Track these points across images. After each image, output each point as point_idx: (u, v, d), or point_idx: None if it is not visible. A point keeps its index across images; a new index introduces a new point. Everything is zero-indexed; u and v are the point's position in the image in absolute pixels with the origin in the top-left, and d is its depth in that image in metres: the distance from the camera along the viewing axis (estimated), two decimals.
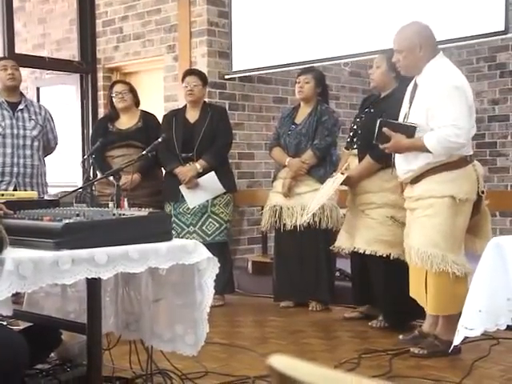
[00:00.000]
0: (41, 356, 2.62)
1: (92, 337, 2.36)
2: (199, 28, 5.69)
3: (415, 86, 3.42)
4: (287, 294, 4.62)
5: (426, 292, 3.38)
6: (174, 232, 4.56)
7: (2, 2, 5.96)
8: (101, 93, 6.49)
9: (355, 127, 4.13)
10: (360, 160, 3.99)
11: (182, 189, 4.62)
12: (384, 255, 3.85)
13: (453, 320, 3.26)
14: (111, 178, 4.17)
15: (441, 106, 3.24)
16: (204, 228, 4.63)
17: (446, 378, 3.02)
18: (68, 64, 6.52)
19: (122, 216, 2.39)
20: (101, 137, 4.60)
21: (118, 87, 4.90)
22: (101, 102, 6.50)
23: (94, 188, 4.71)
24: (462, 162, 3.32)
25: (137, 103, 4.95)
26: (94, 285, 2.33)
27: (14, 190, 4.54)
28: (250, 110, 5.93)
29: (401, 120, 3.46)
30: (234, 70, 5.72)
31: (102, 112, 6.42)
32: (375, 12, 4.91)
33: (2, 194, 2.88)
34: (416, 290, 3.48)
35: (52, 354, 2.73)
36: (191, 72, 4.84)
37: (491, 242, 2.44)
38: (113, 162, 4.70)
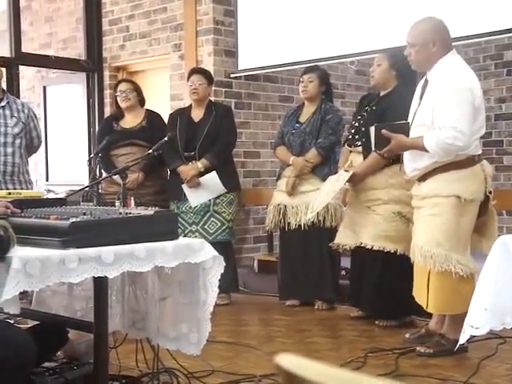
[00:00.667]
0: (48, 354, 2.63)
1: (98, 335, 2.37)
2: (205, 27, 5.69)
3: (426, 82, 3.40)
4: (292, 293, 4.62)
5: (428, 291, 3.37)
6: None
7: (9, 1, 5.97)
8: (107, 91, 6.50)
9: (357, 125, 4.13)
10: (365, 157, 3.99)
11: (185, 188, 4.63)
12: (391, 251, 3.84)
13: (459, 319, 3.25)
14: (115, 176, 4.18)
15: (444, 106, 3.23)
16: (206, 227, 4.64)
17: (452, 376, 3.02)
18: (74, 63, 6.53)
19: (129, 215, 2.40)
20: (106, 136, 4.61)
21: (122, 86, 4.90)
22: (107, 100, 6.51)
23: (100, 186, 4.73)
24: (469, 162, 3.30)
25: (141, 102, 4.95)
26: (100, 283, 2.33)
27: None
28: (255, 108, 5.93)
29: (411, 116, 3.46)
30: (239, 68, 5.72)
31: (108, 111, 6.43)
32: (382, 10, 4.90)
33: (10, 193, 2.89)
34: (417, 289, 3.47)
35: (59, 353, 2.74)
36: (196, 71, 4.85)
37: (498, 241, 2.44)
38: (117, 161, 4.71)
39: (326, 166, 4.47)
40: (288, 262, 4.61)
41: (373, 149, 3.61)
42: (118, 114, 4.96)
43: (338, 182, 4.00)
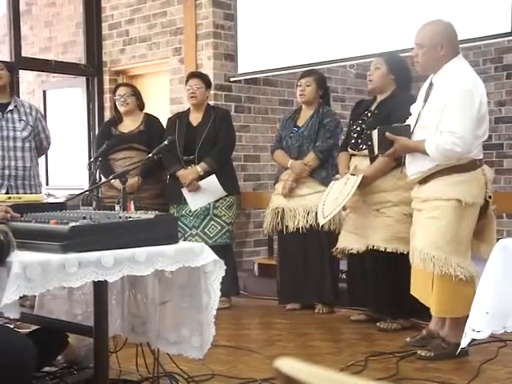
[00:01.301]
0: (48, 359, 2.63)
1: (99, 339, 2.36)
2: (205, 30, 5.70)
3: (431, 85, 3.40)
4: (292, 297, 4.62)
5: (433, 295, 3.37)
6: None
7: (9, 6, 5.98)
8: (107, 96, 6.51)
9: (358, 129, 4.12)
10: (372, 160, 3.99)
11: (184, 192, 4.63)
12: (405, 252, 3.83)
13: (460, 322, 3.26)
14: (113, 180, 4.19)
15: (449, 110, 3.23)
16: (206, 230, 4.64)
17: (453, 380, 3.01)
18: (74, 67, 6.54)
19: (129, 219, 2.40)
20: (105, 140, 4.62)
21: (121, 90, 4.90)
22: (107, 104, 6.52)
23: (99, 191, 4.74)
24: (471, 166, 3.30)
25: (140, 106, 4.95)
26: (100, 287, 2.33)
27: (6, 192, 4.47)
28: (255, 112, 5.93)
29: (414, 119, 3.46)
30: (239, 72, 5.72)
31: (108, 115, 6.44)
32: (380, 14, 4.90)
33: (9, 198, 2.89)
34: (422, 291, 3.47)
35: (59, 357, 2.74)
36: (194, 75, 4.85)
37: (498, 245, 2.43)
38: (115, 165, 4.72)
39: (324, 170, 4.48)
40: (287, 266, 4.61)
41: (375, 152, 3.61)
42: (117, 118, 4.96)
43: (346, 186, 3.98)
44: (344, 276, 4.94)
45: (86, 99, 6.56)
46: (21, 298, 2.04)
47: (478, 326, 2.37)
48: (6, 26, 6.12)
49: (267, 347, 3.61)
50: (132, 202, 3.19)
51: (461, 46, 3.48)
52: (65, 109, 6.79)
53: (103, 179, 4.90)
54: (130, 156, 4.68)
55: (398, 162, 3.78)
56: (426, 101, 3.40)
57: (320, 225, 4.22)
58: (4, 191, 4.51)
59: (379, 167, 3.95)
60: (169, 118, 4.93)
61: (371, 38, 4.92)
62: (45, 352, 2.44)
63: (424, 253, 3.30)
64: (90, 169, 5.43)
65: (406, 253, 3.80)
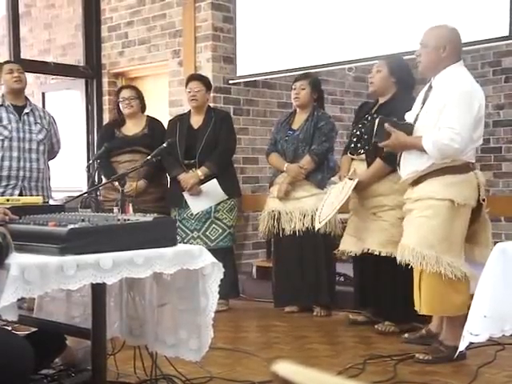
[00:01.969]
0: (45, 361, 2.63)
1: (96, 342, 2.37)
2: (204, 33, 5.70)
3: (430, 87, 3.44)
4: (287, 300, 4.63)
5: (420, 293, 3.40)
6: (178, 237, 4.61)
7: (8, 8, 5.99)
8: (106, 98, 6.51)
9: (358, 133, 4.13)
10: (369, 164, 4.00)
11: (185, 195, 4.64)
12: (393, 256, 3.84)
13: (456, 324, 3.29)
14: (116, 183, 4.19)
15: (447, 109, 3.26)
16: (207, 233, 4.64)
17: (451, 383, 3.01)
18: (73, 69, 6.54)
19: (127, 221, 2.40)
20: (106, 142, 4.62)
21: (125, 93, 4.90)
22: (106, 107, 6.52)
23: (98, 193, 4.74)
24: (464, 168, 3.34)
25: (143, 108, 4.96)
26: (98, 290, 2.33)
27: (20, 193, 4.53)
28: (254, 114, 5.93)
29: (412, 120, 3.47)
30: (238, 74, 5.72)
31: (106, 117, 6.44)
32: (379, 17, 4.91)
33: (8, 200, 2.89)
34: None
35: (57, 360, 2.74)
36: (194, 77, 4.85)
37: (497, 248, 2.44)
38: (119, 168, 4.71)
39: (319, 173, 4.49)
40: (282, 269, 4.62)
41: (373, 139, 3.62)
42: (120, 121, 4.96)
43: (343, 190, 3.99)
44: (342, 279, 4.95)
45: (85, 101, 6.56)
46: (19, 300, 2.04)
47: (476, 330, 2.37)
48: (5, 28, 6.12)
49: (265, 350, 3.61)
50: (131, 205, 3.19)
51: (461, 44, 3.51)
52: (64, 111, 6.78)
53: (104, 181, 4.90)
54: (135, 159, 4.67)
55: (394, 167, 3.80)
56: (424, 103, 3.43)
57: (316, 228, 4.23)
58: (18, 192, 4.56)
59: (374, 172, 3.96)
60: (169, 121, 4.93)
61: (370, 41, 4.92)
62: (43, 354, 2.44)
63: (416, 251, 3.33)
64: (88, 171, 5.43)
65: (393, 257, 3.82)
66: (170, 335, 2.61)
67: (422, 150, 3.30)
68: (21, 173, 4.61)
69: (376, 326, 4.01)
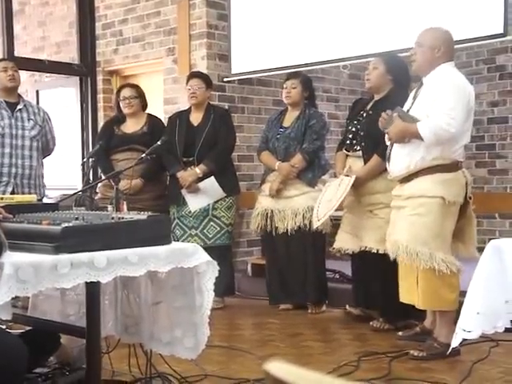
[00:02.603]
0: (40, 360, 2.63)
1: (91, 340, 2.36)
2: (199, 31, 5.69)
3: (421, 84, 3.53)
4: (282, 297, 4.63)
5: (418, 288, 3.43)
6: (177, 234, 4.62)
7: (2, 5, 5.96)
8: (100, 96, 6.49)
9: (353, 129, 4.13)
10: (365, 161, 4.00)
11: (184, 192, 4.64)
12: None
13: (449, 320, 3.32)
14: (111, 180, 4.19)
15: (441, 98, 3.34)
16: (205, 231, 4.64)
17: (445, 380, 3.02)
18: (67, 67, 6.52)
19: (121, 220, 2.40)
20: (105, 139, 4.61)
21: (126, 92, 4.87)
22: (100, 104, 6.50)
23: (96, 191, 4.74)
24: (453, 167, 3.42)
25: (144, 107, 4.94)
26: (93, 288, 2.33)
27: (12, 191, 4.50)
28: (249, 112, 5.93)
29: None
30: (233, 72, 5.72)
31: (101, 115, 6.42)
32: (374, 15, 4.91)
33: (1, 198, 2.88)
34: (406, 291, 3.51)
35: (51, 358, 2.73)
36: (195, 75, 4.86)
37: (490, 245, 2.45)
38: (117, 166, 4.70)
39: (310, 171, 4.50)
40: (275, 267, 4.63)
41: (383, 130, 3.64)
42: (120, 118, 4.94)
43: (340, 187, 4.00)
44: (337, 276, 4.96)
45: (80, 99, 6.54)
46: (13, 298, 2.04)
47: (469, 326, 2.39)
48: None
49: (260, 347, 3.62)
50: (125, 203, 3.19)
51: (454, 46, 3.54)
52: (58, 109, 6.76)
53: (99, 179, 4.89)
54: (133, 157, 4.63)
55: None
56: (415, 99, 3.50)
57: (314, 227, 4.23)
58: (10, 189, 4.52)
59: (372, 168, 3.97)
60: (169, 117, 4.94)
61: (365, 39, 4.93)
62: (37, 353, 2.43)
63: (410, 248, 3.36)
64: (83, 169, 5.42)
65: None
66: (166, 333, 2.61)
67: (415, 136, 3.34)
68: (13, 170, 4.57)
69: (371, 323, 4.02)
